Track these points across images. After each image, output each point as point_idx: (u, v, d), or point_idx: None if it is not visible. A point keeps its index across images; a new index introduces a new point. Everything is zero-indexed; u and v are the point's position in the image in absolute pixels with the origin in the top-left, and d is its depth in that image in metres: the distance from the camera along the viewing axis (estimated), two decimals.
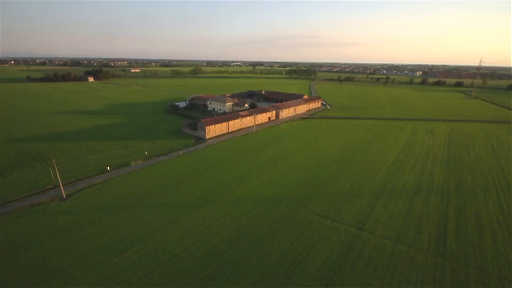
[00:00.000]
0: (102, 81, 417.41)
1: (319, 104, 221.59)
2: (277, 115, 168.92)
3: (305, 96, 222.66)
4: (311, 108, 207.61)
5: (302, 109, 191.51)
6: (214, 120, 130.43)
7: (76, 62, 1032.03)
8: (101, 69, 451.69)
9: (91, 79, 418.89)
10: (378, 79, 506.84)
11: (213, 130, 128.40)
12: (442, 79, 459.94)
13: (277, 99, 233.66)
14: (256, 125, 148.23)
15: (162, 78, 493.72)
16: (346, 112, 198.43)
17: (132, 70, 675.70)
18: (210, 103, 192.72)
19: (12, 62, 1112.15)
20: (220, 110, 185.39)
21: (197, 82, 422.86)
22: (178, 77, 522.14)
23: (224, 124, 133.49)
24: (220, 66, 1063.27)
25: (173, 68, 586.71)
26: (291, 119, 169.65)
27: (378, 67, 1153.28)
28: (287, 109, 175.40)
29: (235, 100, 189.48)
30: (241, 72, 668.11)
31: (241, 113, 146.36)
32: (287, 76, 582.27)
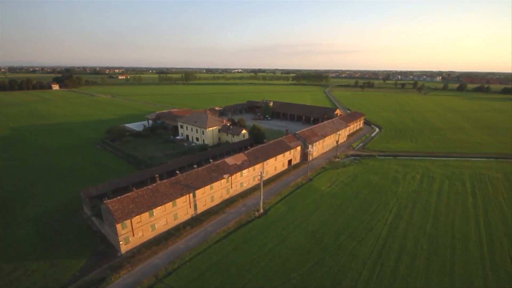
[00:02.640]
0: (69, 89, 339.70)
1: (361, 125, 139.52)
2: (305, 155, 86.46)
3: (338, 112, 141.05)
4: (351, 131, 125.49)
5: (342, 136, 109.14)
6: (150, 195, 47.88)
7: (66, 70, 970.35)
8: (71, 76, 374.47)
9: (55, 86, 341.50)
10: (403, 85, 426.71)
11: (145, 229, 45.91)
12: (485, 85, 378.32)
13: (292, 116, 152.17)
14: (265, 180, 66.46)
15: (147, 85, 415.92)
16: (417, 139, 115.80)
17: (120, 77, 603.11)
18: (181, 127, 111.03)
19: (3, 70, 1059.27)
20: (196, 140, 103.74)
21: (187, 90, 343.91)
22: (166, 84, 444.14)
23: (181, 201, 50.98)
24: (220, 73, 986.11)
25: (162, 74, 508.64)
26: (330, 161, 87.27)
27: (384, 73, 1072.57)
28: (321, 141, 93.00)
29: (224, 122, 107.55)
30: (241, 78, 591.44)
31: (228, 160, 63.80)
32: (294, 82, 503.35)
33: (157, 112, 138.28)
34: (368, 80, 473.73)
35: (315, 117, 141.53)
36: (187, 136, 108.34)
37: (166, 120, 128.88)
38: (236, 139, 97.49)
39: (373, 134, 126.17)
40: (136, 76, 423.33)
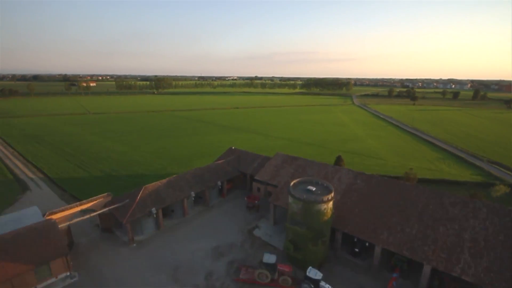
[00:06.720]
0: None
1: None
2: None
3: None
4: None
5: None
6: None
7: (34, 77, 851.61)
8: None
9: None
10: (455, 94, 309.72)
11: None
12: None
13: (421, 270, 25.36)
14: None
15: (99, 95, 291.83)
16: None
17: (91, 84, 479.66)
18: None
19: None
20: None
21: (141, 106, 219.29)
22: (125, 94, 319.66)
23: None
24: (213, 81, 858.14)
25: (120, 81, 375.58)
26: None
27: (390, 81, 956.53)
28: None
29: None
30: (232, 85, 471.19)
31: None
32: (304, 90, 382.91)
33: None
34: (406, 89, 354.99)
35: None
36: None
37: None
38: None
39: None
40: (81, 85, 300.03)
